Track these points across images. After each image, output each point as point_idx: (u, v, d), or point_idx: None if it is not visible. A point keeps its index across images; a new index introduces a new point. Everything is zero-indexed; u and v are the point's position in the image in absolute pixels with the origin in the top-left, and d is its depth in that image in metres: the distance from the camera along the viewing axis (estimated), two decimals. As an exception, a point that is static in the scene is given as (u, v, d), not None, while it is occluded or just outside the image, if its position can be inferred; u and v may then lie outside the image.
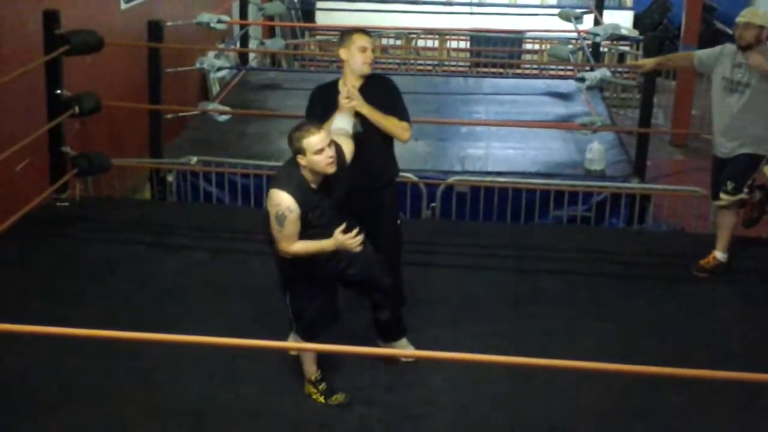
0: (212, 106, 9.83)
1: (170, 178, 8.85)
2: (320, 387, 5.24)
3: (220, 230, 7.40)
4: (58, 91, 7.63)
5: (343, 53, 5.35)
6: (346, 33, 5.39)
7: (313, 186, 4.85)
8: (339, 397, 5.22)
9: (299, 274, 5.00)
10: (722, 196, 6.75)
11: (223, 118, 9.46)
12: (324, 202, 4.89)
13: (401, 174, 8.27)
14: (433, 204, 8.36)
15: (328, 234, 4.84)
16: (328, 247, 4.86)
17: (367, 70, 5.33)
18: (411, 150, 9.62)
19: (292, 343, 5.27)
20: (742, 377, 3.96)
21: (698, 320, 6.33)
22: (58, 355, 5.45)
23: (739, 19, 6.57)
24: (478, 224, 8.19)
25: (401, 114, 5.37)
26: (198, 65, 10.08)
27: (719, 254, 6.90)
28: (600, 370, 4.34)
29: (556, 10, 12.92)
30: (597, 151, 9.08)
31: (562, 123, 10.42)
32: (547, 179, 8.66)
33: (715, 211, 7.24)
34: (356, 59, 5.30)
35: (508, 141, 9.92)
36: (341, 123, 5.21)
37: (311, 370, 5.24)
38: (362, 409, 5.23)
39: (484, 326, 6.09)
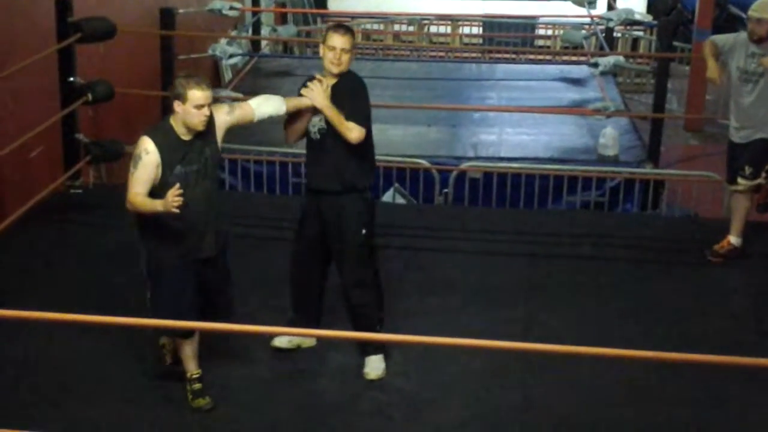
0: (224, 92, 9.82)
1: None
2: (193, 386, 5.06)
3: (234, 216, 7.40)
4: (71, 79, 7.65)
5: (320, 49, 5.28)
6: (327, 29, 5.32)
7: (182, 138, 4.80)
8: (201, 402, 5.03)
9: (152, 249, 4.87)
10: (740, 180, 6.73)
11: (236, 104, 9.45)
12: (190, 157, 4.79)
13: (414, 160, 8.42)
14: (445, 190, 8.35)
15: (185, 197, 4.63)
16: (158, 207, 4.63)
17: (333, 70, 5.18)
18: (424, 136, 9.65)
19: (297, 329, 5.17)
20: (758, 363, 3.95)
21: (712, 305, 6.31)
22: (71, 342, 5.47)
23: (752, 14, 6.53)
24: (491, 210, 8.18)
25: (352, 113, 5.16)
26: (210, 52, 10.09)
27: (733, 239, 6.88)
28: (613, 356, 4.33)
29: (570, -4, 12.85)
30: (610, 137, 9.05)
31: (576, 108, 10.39)
32: (561, 165, 8.64)
33: (729, 196, 7.22)
34: (325, 58, 5.19)
35: (521, 127, 9.89)
36: (267, 107, 5.19)
37: (189, 366, 5.06)
38: (376, 395, 5.24)
39: (496, 312, 6.09)
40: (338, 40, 5.15)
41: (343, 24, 5.48)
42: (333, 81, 5.23)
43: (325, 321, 5.53)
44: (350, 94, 5.21)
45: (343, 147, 5.19)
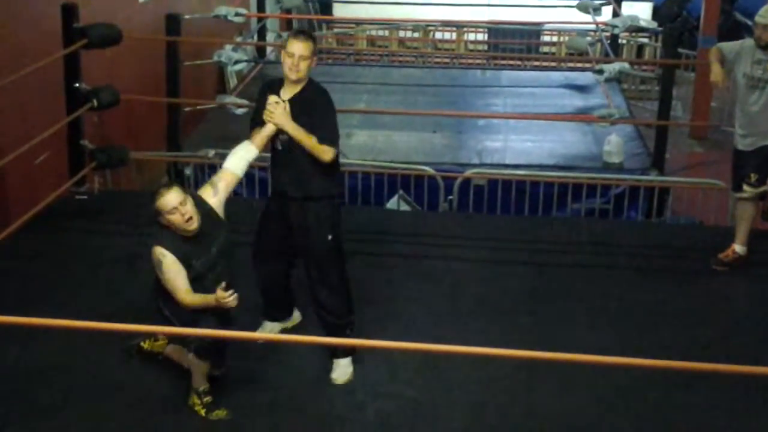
0: (230, 99, 9.83)
1: (188, 171, 8.87)
2: (204, 399, 5.07)
3: (238, 223, 7.37)
4: (77, 85, 7.66)
5: (281, 55, 5.20)
6: (288, 35, 5.25)
7: (186, 236, 4.83)
8: (220, 413, 5.06)
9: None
10: (745, 188, 6.73)
11: (241, 111, 9.46)
12: (200, 251, 4.86)
13: (418, 167, 8.42)
14: (450, 197, 8.34)
15: (210, 279, 4.83)
16: (213, 302, 4.75)
17: (291, 76, 5.08)
18: (428, 143, 9.65)
19: (299, 336, 5.19)
20: (762, 371, 3.94)
21: (717, 314, 6.30)
22: (75, 348, 5.48)
23: (759, 20, 6.53)
24: (496, 217, 8.18)
25: (325, 134, 5.10)
26: (215, 58, 10.09)
27: (738, 247, 6.87)
28: (617, 364, 4.33)
29: (575, 2, 12.84)
30: (615, 144, 9.04)
31: (581, 115, 10.38)
32: (565, 172, 8.63)
33: (735, 203, 7.21)
34: (284, 64, 5.09)
35: (525, 134, 9.88)
36: (241, 162, 5.11)
37: (200, 381, 5.08)
38: (380, 404, 5.24)
39: (501, 320, 6.08)
40: (297, 47, 5.05)
41: (304, 30, 5.40)
42: (293, 90, 5.15)
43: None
44: (317, 111, 5.13)
45: (307, 159, 5.13)
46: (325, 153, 5.10)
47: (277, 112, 5.07)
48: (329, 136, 5.11)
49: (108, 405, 5.12)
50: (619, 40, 12.97)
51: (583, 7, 12.24)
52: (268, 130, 5.14)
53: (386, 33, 15.53)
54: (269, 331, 5.69)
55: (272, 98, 5.11)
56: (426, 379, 5.42)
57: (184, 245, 4.82)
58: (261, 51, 13.18)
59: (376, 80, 11.98)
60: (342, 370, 5.42)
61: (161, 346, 5.41)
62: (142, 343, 5.43)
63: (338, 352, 5.43)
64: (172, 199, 4.75)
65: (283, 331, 5.75)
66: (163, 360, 5.38)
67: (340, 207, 5.46)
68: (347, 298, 5.47)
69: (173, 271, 4.79)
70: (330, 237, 5.29)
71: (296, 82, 5.13)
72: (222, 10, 10.54)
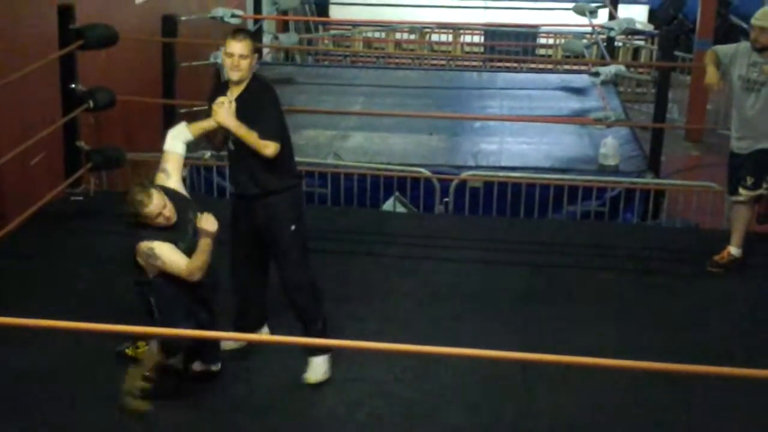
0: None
1: (184, 173, 8.85)
2: (140, 385, 5.00)
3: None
4: (73, 86, 7.66)
5: (221, 57, 5.22)
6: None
7: (165, 225, 4.89)
8: (142, 405, 4.97)
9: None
10: (741, 191, 6.74)
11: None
12: (185, 232, 4.93)
13: (414, 169, 8.42)
14: (446, 199, 8.35)
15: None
16: (208, 242, 4.84)
17: (233, 77, 5.11)
18: (424, 145, 9.65)
19: (302, 339, 5.22)
20: (757, 374, 3.95)
21: (712, 316, 6.31)
22: (71, 349, 5.47)
23: (755, 22, 6.54)
24: (492, 219, 8.18)
25: (265, 129, 5.09)
26: (212, 59, 10.08)
27: (733, 250, 6.88)
28: (612, 366, 4.33)
29: (571, 5, 12.88)
30: (611, 146, 9.05)
31: (576, 118, 10.40)
32: (561, 174, 8.64)
33: (730, 206, 7.22)
34: (225, 65, 5.14)
35: (521, 136, 9.89)
36: (178, 142, 5.18)
37: (148, 367, 5.05)
38: (374, 403, 5.24)
39: (496, 321, 6.09)
40: (235, 46, 5.06)
41: (242, 29, 5.39)
42: (239, 90, 5.17)
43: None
44: (258, 106, 5.14)
45: (256, 156, 5.14)
46: (266, 147, 5.09)
47: (220, 111, 5.10)
48: (269, 130, 5.11)
49: (101, 403, 5.11)
50: (615, 43, 12.99)
51: (579, 10, 12.27)
52: (207, 123, 5.18)
53: (382, 35, 15.54)
54: (225, 346, 5.58)
55: (220, 99, 5.15)
56: (421, 380, 5.42)
57: (166, 234, 4.88)
58: (257, 52, 13.16)
59: (373, 82, 12.00)
60: (316, 369, 5.35)
61: (143, 353, 5.30)
62: (126, 350, 5.41)
63: (313, 349, 5.37)
64: (157, 205, 4.82)
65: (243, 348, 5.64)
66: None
67: (302, 199, 5.45)
68: (315, 290, 5.42)
69: (167, 252, 4.83)
70: (293, 227, 5.29)
71: (239, 81, 5.16)
72: (218, 11, 10.54)
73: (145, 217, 4.82)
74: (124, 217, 4.93)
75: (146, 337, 5.30)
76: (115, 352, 5.42)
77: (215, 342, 5.04)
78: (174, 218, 4.90)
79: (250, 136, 5.09)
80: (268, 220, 5.29)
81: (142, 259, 4.89)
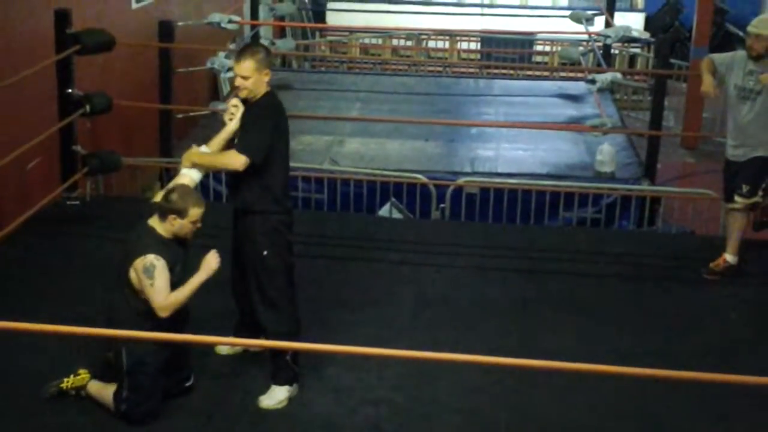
0: (222, 105, 9.81)
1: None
2: (74, 381, 5.10)
3: (229, 229, 7.40)
4: (69, 91, 7.65)
5: None
6: None
7: (168, 239, 4.89)
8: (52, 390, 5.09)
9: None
10: (737, 198, 6.75)
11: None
12: (179, 256, 4.93)
13: (411, 175, 8.42)
14: (442, 205, 8.36)
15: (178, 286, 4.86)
16: (202, 279, 4.84)
17: (239, 95, 5.10)
18: (421, 151, 9.67)
19: (292, 343, 5.18)
20: (752, 381, 3.95)
21: (708, 323, 6.31)
22: (66, 354, 5.46)
23: (751, 30, 6.56)
24: (488, 225, 8.18)
25: (244, 142, 5.04)
26: (208, 65, 10.10)
27: (729, 257, 6.88)
28: (608, 373, 4.33)
29: (567, 12, 12.92)
30: (607, 153, 9.07)
31: (573, 125, 10.41)
32: (557, 181, 8.65)
33: (726, 213, 7.23)
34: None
35: (518, 142, 9.91)
36: (190, 175, 5.11)
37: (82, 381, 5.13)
38: (369, 410, 5.23)
39: (492, 327, 6.09)
40: (236, 68, 5.05)
41: (246, 47, 5.27)
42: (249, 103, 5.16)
43: (317, 334, 5.50)
44: (250, 122, 5.09)
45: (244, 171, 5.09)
46: (234, 157, 5.02)
47: (237, 114, 5.11)
48: (246, 144, 5.04)
49: (99, 409, 5.11)
50: (612, 50, 13.03)
51: (575, 17, 12.29)
52: (230, 127, 5.14)
53: (379, 41, 15.56)
54: (220, 351, 5.61)
55: (233, 101, 5.15)
56: (416, 386, 5.42)
57: (170, 249, 4.86)
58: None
59: (369, 88, 12.01)
60: (274, 396, 5.21)
61: (82, 380, 5.18)
62: (61, 386, 5.16)
63: (278, 378, 5.24)
64: (201, 212, 4.85)
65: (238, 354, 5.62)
66: (85, 397, 5.15)
67: (281, 230, 5.20)
68: (287, 317, 5.26)
69: (161, 277, 4.79)
70: (265, 253, 5.16)
71: (246, 99, 5.12)
72: (215, 17, 10.55)
73: (189, 217, 4.80)
74: (159, 208, 4.85)
75: (116, 347, 5.14)
76: (50, 394, 5.15)
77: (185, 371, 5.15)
78: (188, 237, 4.92)
79: (217, 160, 5.11)
80: (243, 238, 5.26)
81: (135, 272, 4.82)
